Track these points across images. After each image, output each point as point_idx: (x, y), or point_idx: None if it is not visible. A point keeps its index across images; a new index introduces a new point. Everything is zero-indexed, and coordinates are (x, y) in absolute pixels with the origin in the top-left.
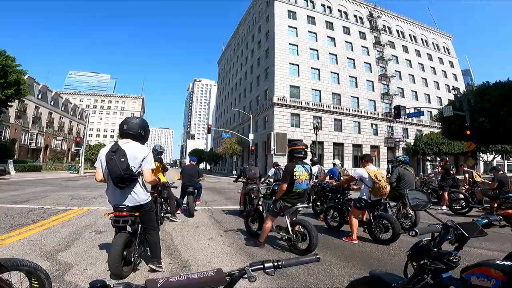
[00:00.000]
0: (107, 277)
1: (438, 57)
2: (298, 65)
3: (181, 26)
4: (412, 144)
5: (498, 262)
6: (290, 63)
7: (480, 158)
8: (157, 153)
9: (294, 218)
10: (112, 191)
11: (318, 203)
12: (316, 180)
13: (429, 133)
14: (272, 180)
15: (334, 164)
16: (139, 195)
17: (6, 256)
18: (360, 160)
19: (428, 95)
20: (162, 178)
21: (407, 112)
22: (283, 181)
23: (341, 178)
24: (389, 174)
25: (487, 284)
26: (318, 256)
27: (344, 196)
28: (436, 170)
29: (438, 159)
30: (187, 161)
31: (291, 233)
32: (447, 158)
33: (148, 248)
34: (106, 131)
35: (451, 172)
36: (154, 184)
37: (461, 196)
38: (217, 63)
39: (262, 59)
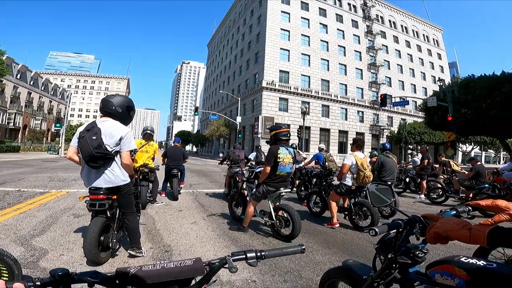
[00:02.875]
0: (84, 263)
1: (427, 49)
2: (288, 51)
3: (171, 5)
4: (395, 132)
5: (463, 259)
6: (280, 48)
7: (459, 149)
8: (149, 135)
9: (278, 203)
10: (87, 171)
11: (303, 188)
12: (302, 165)
13: (413, 122)
14: (254, 163)
15: (320, 149)
16: (116, 176)
17: None
18: (352, 143)
19: (414, 85)
20: (151, 163)
21: (393, 100)
22: (267, 163)
23: (326, 163)
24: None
25: (451, 283)
26: (303, 247)
27: (327, 182)
28: (415, 158)
29: (419, 147)
30: (173, 140)
31: (274, 218)
32: (427, 147)
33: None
34: (89, 111)
35: (429, 161)
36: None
37: (439, 185)
38: (207, 46)
39: (253, 43)
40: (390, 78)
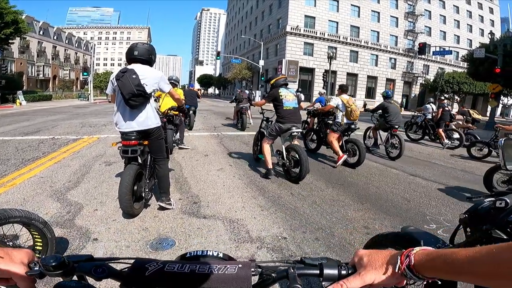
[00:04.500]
0: (117, 217)
1: (478, 2)
2: None
3: None
4: (431, 80)
5: None
6: None
7: (501, 101)
8: (174, 84)
9: (289, 143)
10: (122, 112)
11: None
12: (305, 107)
13: (452, 72)
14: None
15: (321, 94)
16: (149, 118)
17: (17, 198)
18: (338, 89)
19: (458, 36)
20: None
21: (433, 49)
22: (265, 99)
23: (328, 103)
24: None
25: None
26: None
27: (324, 121)
28: (427, 105)
29: (437, 98)
30: (196, 85)
31: (285, 158)
32: (444, 97)
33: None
34: (113, 60)
35: (446, 109)
36: (180, 104)
37: (457, 135)
38: None
39: None
40: (430, 28)
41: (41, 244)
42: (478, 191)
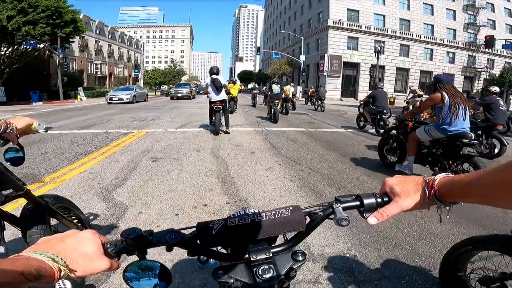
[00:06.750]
0: (161, 223)
1: None
2: None
3: None
4: (497, 75)
5: None
6: None
7: None
8: (233, 81)
9: (275, 107)
10: (215, 93)
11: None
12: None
13: None
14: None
15: (282, 85)
16: (223, 95)
17: (64, 196)
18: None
19: None
20: (235, 93)
21: (502, 43)
22: (267, 90)
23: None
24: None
25: None
26: None
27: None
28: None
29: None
30: (237, 82)
31: (271, 113)
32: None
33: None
34: (161, 57)
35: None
36: (229, 93)
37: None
38: None
39: None
40: (494, 21)
41: None
42: None
